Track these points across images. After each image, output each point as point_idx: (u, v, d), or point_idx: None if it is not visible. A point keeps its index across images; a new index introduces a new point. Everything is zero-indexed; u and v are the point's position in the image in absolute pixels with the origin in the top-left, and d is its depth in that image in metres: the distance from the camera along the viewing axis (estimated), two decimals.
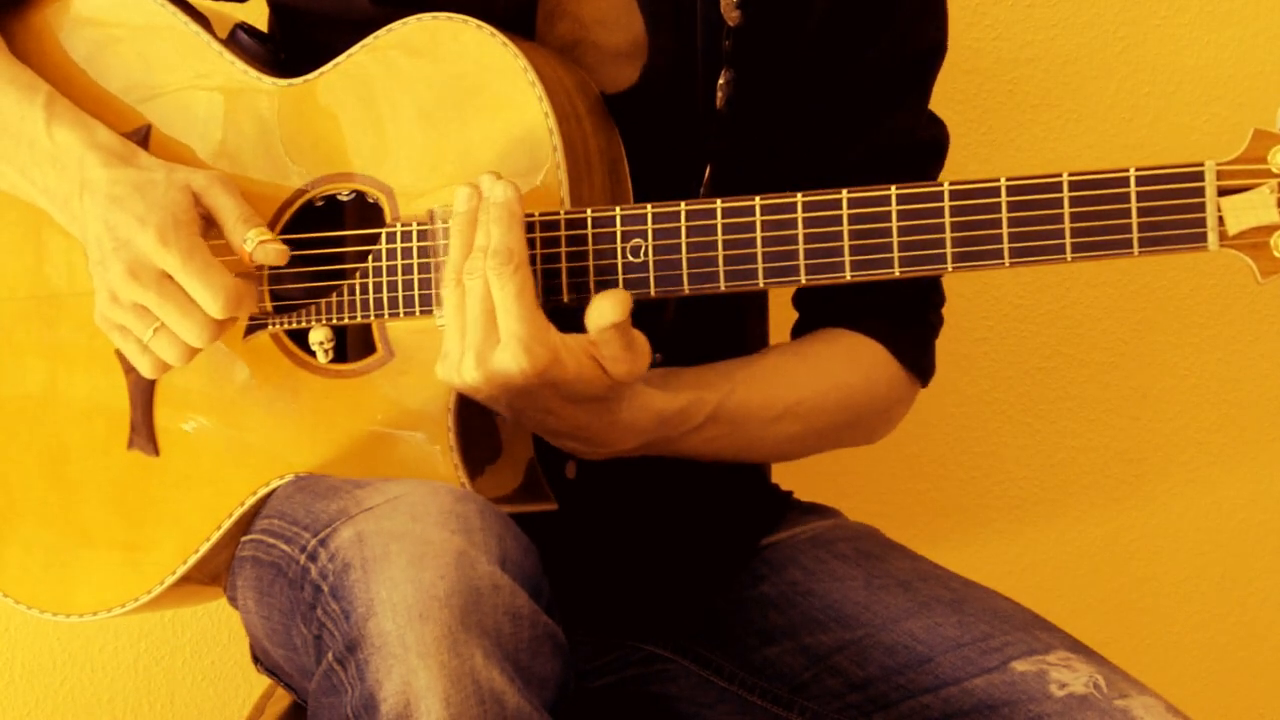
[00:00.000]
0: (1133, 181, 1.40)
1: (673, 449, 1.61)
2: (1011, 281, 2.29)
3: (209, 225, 1.57)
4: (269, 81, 1.61)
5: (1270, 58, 2.27)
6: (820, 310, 1.74)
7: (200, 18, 1.64)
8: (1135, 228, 1.40)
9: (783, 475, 1.88)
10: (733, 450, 1.68)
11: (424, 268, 1.54)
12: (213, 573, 1.66)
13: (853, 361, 1.72)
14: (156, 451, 1.64)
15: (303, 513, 1.51)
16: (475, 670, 1.30)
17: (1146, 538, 2.38)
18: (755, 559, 1.74)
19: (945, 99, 2.21)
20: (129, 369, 1.64)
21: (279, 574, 1.50)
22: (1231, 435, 2.35)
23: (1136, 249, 1.40)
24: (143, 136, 1.63)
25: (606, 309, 1.46)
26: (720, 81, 1.62)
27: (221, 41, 1.64)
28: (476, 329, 1.47)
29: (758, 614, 1.70)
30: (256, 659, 1.75)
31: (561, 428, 1.53)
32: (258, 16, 1.73)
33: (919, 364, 1.75)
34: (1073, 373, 2.32)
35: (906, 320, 1.74)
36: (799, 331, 1.76)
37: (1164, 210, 1.39)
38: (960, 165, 2.25)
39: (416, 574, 1.33)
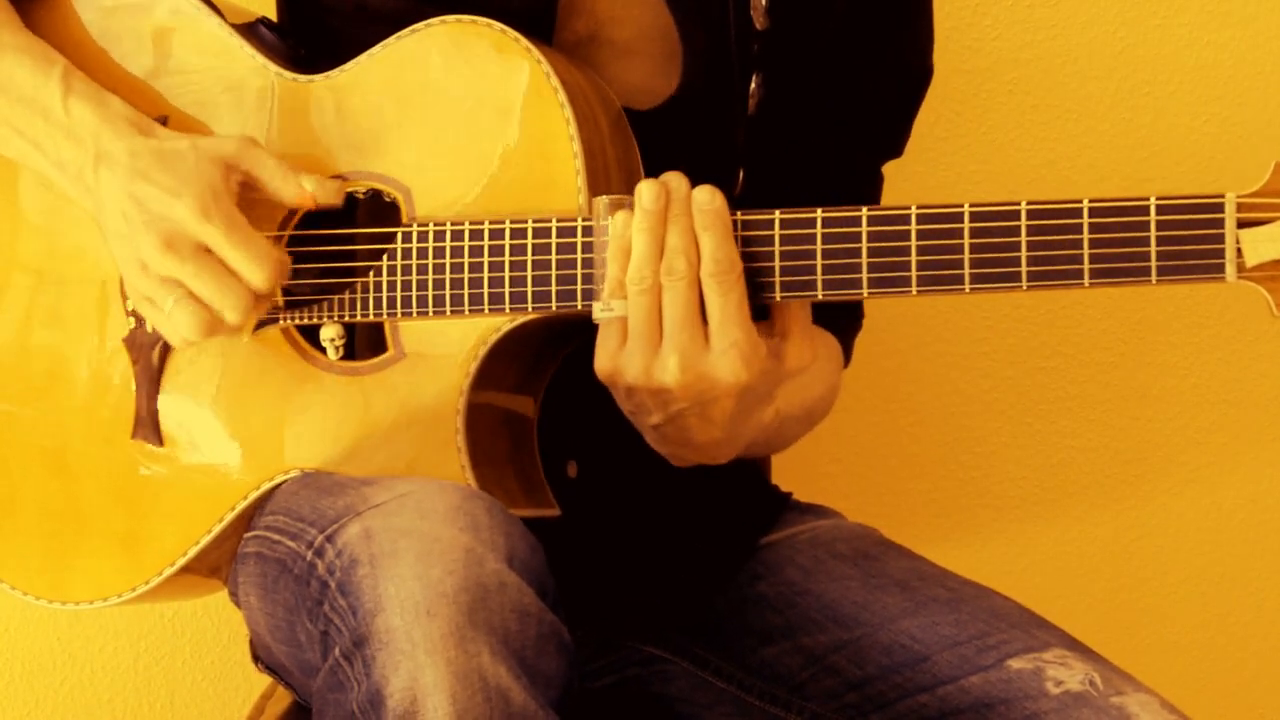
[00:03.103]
0: (1153, 210, 1.40)
1: (748, 451, 1.60)
2: None
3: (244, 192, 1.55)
4: (289, 76, 1.61)
5: (1270, 58, 2.28)
6: None
7: (215, 10, 1.64)
8: (1154, 256, 1.40)
9: (782, 475, 1.88)
10: (762, 449, 1.68)
11: (438, 268, 1.54)
12: (213, 565, 1.66)
13: (832, 360, 1.75)
14: (161, 442, 1.64)
15: (309, 509, 1.50)
16: (482, 667, 1.30)
17: (1146, 538, 2.38)
18: (753, 559, 1.74)
19: (945, 99, 2.22)
20: (136, 358, 1.64)
21: (284, 570, 1.50)
22: (1231, 435, 2.36)
23: (1154, 278, 1.40)
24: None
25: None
26: (752, 86, 1.63)
27: (240, 34, 1.63)
28: (682, 332, 1.45)
29: (755, 614, 1.70)
30: (257, 657, 1.75)
31: (698, 437, 1.51)
32: (262, 5, 1.73)
33: (848, 358, 1.79)
34: (1073, 373, 2.33)
35: (853, 314, 1.79)
36: None
37: (1183, 240, 1.39)
38: (960, 165, 2.26)
39: (424, 570, 1.33)
